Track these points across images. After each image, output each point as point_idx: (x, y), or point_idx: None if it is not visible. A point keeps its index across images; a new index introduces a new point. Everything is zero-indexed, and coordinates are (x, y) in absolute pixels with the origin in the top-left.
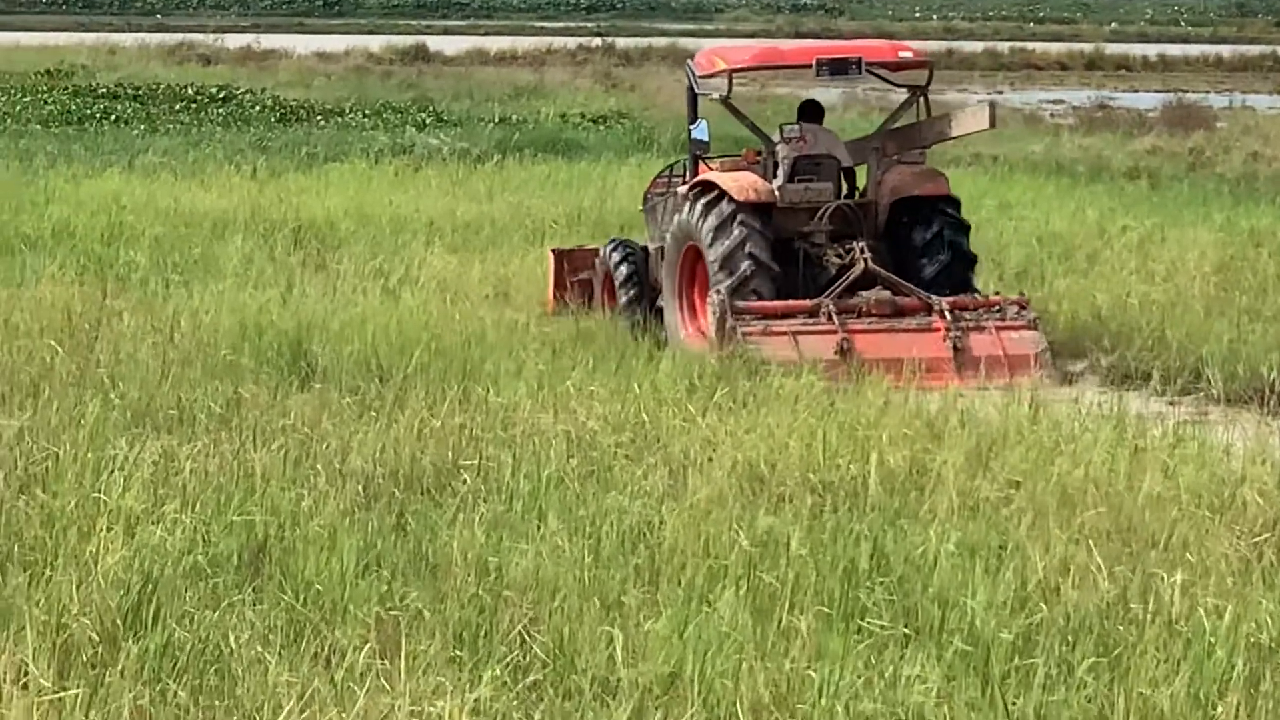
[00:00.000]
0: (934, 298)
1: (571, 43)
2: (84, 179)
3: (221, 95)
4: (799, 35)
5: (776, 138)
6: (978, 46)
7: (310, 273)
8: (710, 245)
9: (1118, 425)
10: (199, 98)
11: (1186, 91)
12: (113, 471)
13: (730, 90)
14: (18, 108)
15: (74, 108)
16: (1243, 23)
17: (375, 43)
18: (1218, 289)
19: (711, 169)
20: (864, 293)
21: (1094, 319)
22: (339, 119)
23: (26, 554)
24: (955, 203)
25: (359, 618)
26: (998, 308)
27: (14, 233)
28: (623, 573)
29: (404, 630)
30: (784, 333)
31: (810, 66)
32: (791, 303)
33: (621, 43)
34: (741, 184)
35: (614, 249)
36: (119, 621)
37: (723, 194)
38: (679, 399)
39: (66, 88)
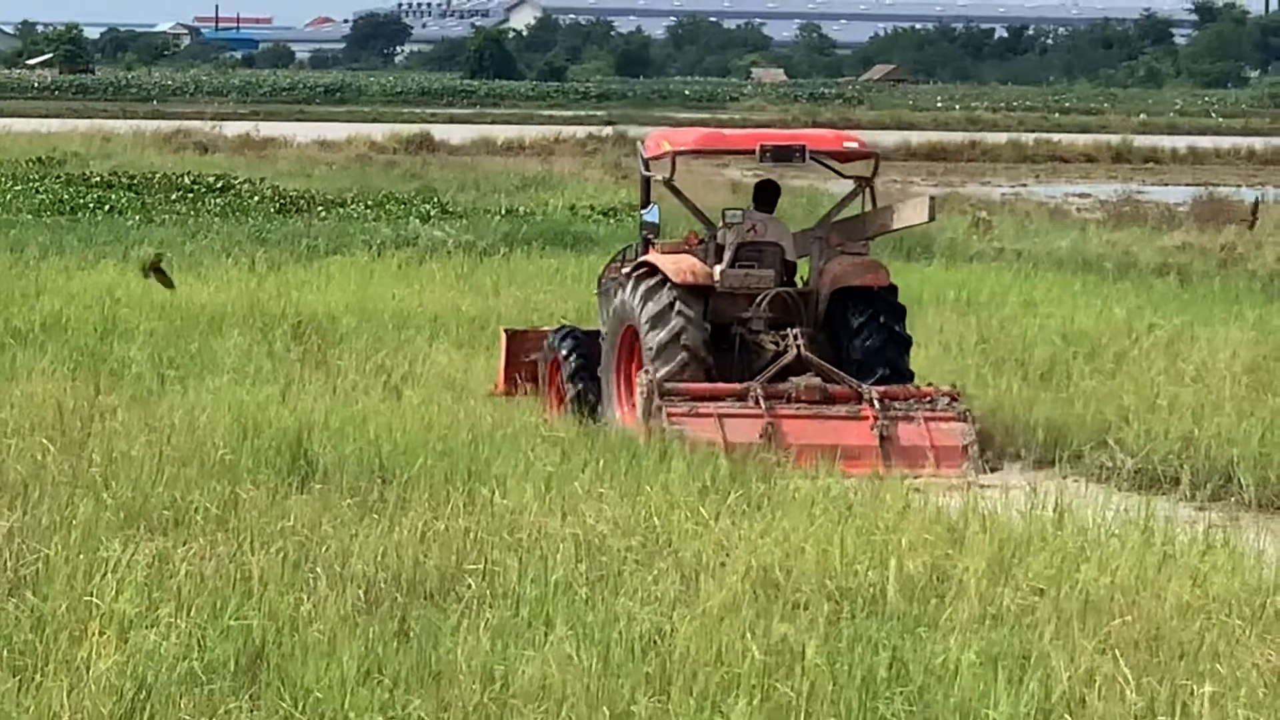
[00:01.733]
0: (865, 386)
1: (581, 132)
2: (77, 271)
3: (219, 185)
4: (815, 124)
5: (721, 223)
6: (1001, 138)
7: (310, 369)
8: (647, 332)
9: (1145, 531)
10: (196, 187)
11: (1218, 185)
12: (105, 574)
13: (674, 172)
14: (9, 196)
15: (67, 197)
16: (1275, 114)
17: (378, 131)
18: (1249, 390)
19: (656, 251)
20: (794, 379)
21: (1121, 420)
22: (340, 210)
23: (15, 659)
24: (894, 295)
25: None
26: (929, 399)
27: (4, 326)
28: (633, 681)
29: None
30: (710, 414)
31: (754, 152)
32: (720, 385)
33: (633, 132)
34: (680, 266)
35: (562, 337)
36: None
37: (661, 277)
38: (691, 502)
39: (59, 176)
